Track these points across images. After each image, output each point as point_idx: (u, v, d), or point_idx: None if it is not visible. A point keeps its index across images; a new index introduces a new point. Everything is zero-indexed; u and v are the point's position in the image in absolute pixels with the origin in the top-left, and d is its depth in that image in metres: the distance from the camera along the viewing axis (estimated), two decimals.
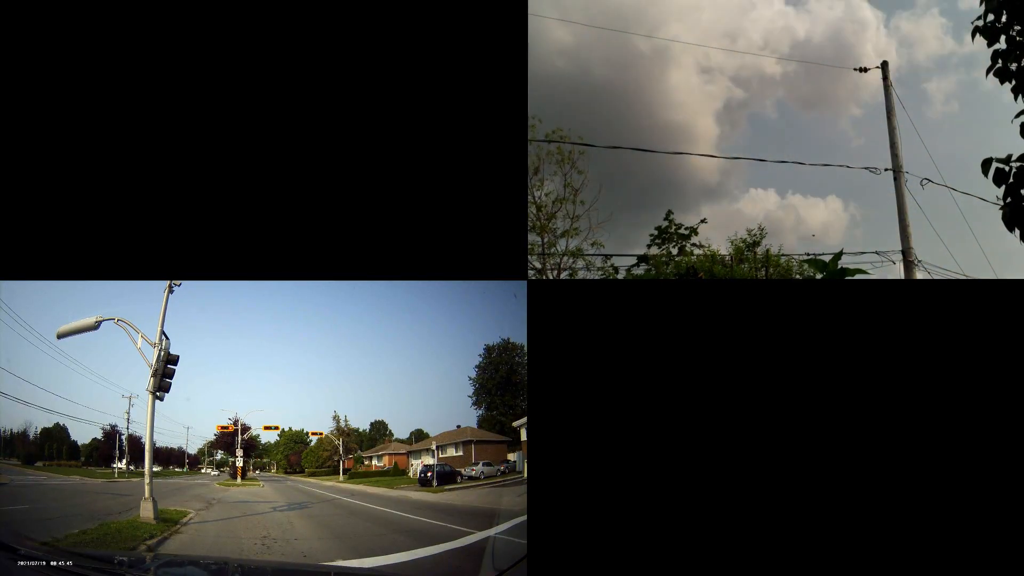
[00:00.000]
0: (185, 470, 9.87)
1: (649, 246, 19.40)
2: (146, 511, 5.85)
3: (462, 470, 9.17)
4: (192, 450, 9.96)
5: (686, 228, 19.37)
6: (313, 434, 9.90)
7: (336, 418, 9.99)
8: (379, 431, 10.57)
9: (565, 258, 19.06)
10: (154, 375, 5.90)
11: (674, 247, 19.16)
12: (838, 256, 3.55)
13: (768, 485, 3.18)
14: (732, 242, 19.82)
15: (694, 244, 19.13)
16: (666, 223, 19.52)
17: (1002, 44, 5.17)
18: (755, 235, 19.49)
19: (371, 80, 3.59)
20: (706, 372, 3.25)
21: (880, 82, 15.55)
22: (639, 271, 18.27)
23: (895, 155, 14.90)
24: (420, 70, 3.59)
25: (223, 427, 8.98)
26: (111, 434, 8.20)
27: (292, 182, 3.55)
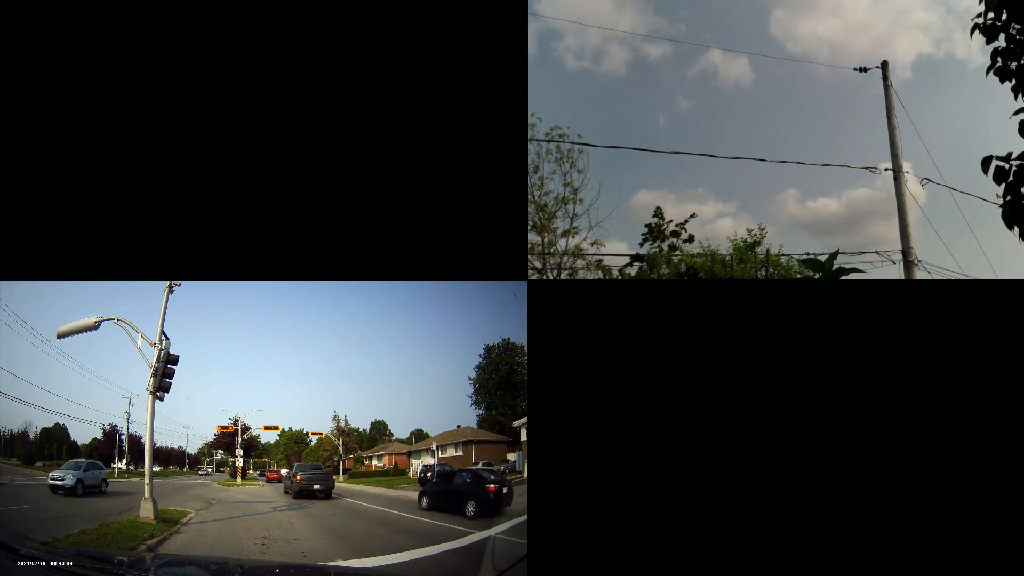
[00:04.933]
0: (185, 470, 9.88)
1: (641, 244, 19.39)
2: (146, 511, 5.86)
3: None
4: (192, 450, 9.97)
5: (676, 225, 19.31)
6: (313, 434, 9.91)
7: (336, 418, 10.00)
8: (379, 431, 10.58)
9: (565, 258, 19.06)
10: (154, 375, 5.91)
11: (665, 244, 19.13)
12: (834, 256, 3.56)
13: (767, 484, 3.18)
14: (732, 242, 19.80)
15: (684, 240, 19.07)
16: (656, 220, 19.48)
17: (1001, 42, 5.17)
18: (755, 235, 19.46)
19: (371, 81, 3.59)
20: (706, 372, 3.25)
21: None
22: (631, 270, 18.20)
23: (895, 155, 14.90)
24: (420, 71, 3.59)
25: (223, 427, 8.98)
26: (111, 434, 8.21)
27: (292, 183, 3.55)
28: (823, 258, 3.60)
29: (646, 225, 19.23)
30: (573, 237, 19.35)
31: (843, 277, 3.51)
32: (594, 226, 19.51)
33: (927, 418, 3.18)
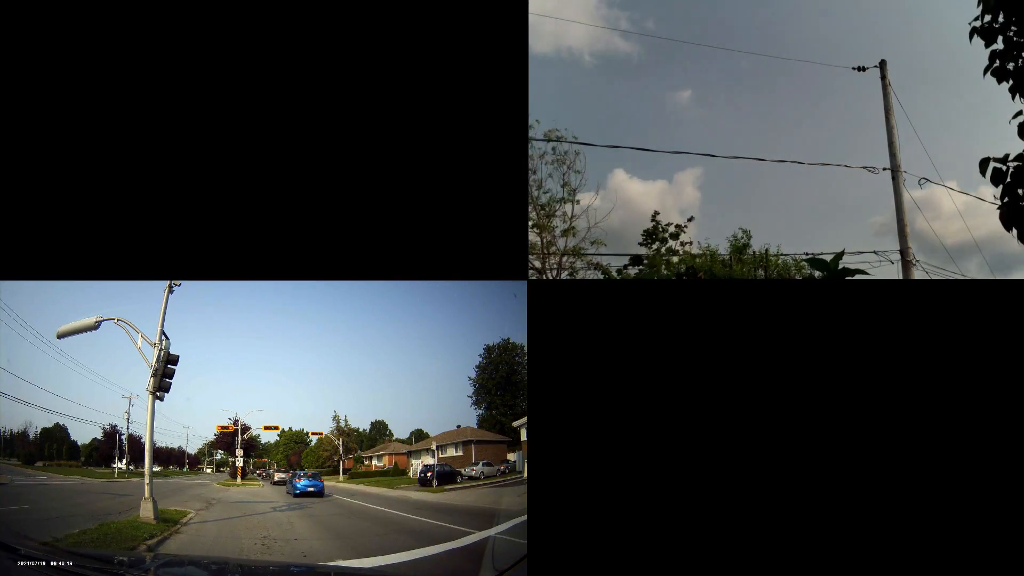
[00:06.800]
0: (185, 470, 9.88)
1: (640, 245, 19.46)
2: (146, 511, 5.86)
3: (462, 470, 9.17)
4: (192, 450, 9.98)
5: (675, 227, 19.41)
6: (313, 434, 9.92)
7: (336, 418, 10.00)
8: (379, 431, 10.58)
9: (565, 258, 19.08)
10: (154, 375, 5.91)
11: (663, 247, 19.21)
12: (839, 256, 3.55)
13: (767, 484, 3.19)
14: (731, 242, 19.81)
15: (682, 243, 19.17)
16: (653, 223, 19.58)
17: (999, 44, 5.19)
18: (742, 239, 19.45)
19: (371, 81, 3.59)
20: (706, 372, 3.26)
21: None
22: (632, 271, 18.26)
23: (893, 155, 14.91)
24: (420, 71, 3.60)
25: (223, 427, 8.99)
26: (111, 434, 8.21)
27: (292, 183, 3.55)
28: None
29: (644, 230, 19.32)
30: (572, 237, 19.39)
31: (847, 278, 3.52)
32: (592, 227, 19.54)
33: (927, 418, 3.19)
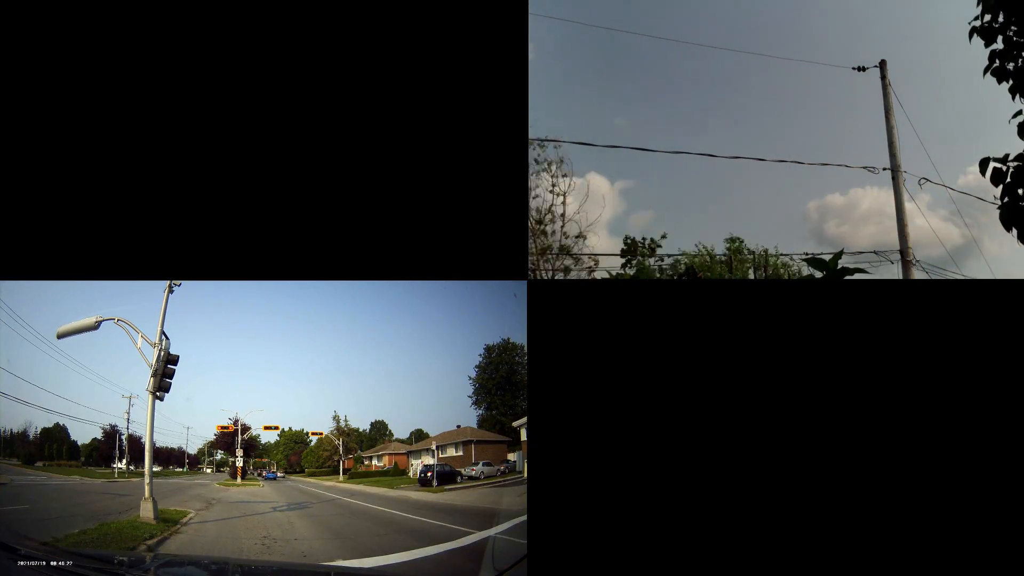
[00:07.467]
0: (185, 470, 9.88)
1: (623, 261, 19.51)
2: (146, 511, 5.86)
3: (462, 470, 9.17)
4: (192, 450, 9.98)
5: (652, 241, 19.48)
6: (313, 434, 9.91)
7: (336, 418, 10.00)
8: (379, 431, 10.58)
9: (558, 260, 19.09)
10: (154, 375, 5.91)
11: (647, 260, 19.25)
12: (838, 255, 3.58)
13: (767, 484, 3.19)
14: (728, 243, 19.83)
15: (659, 258, 19.23)
16: (630, 240, 19.65)
17: (999, 44, 5.19)
18: (735, 243, 19.47)
19: (371, 81, 3.59)
20: (706, 372, 3.26)
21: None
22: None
23: (893, 154, 14.91)
24: (420, 71, 3.60)
25: (223, 427, 8.98)
26: (111, 434, 8.20)
27: (293, 183, 3.55)
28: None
29: (622, 249, 19.39)
30: (564, 239, 19.40)
31: (846, 277, 3.53)
32: (585, 229, 19.54)
33: (927, 418, 3.19)
